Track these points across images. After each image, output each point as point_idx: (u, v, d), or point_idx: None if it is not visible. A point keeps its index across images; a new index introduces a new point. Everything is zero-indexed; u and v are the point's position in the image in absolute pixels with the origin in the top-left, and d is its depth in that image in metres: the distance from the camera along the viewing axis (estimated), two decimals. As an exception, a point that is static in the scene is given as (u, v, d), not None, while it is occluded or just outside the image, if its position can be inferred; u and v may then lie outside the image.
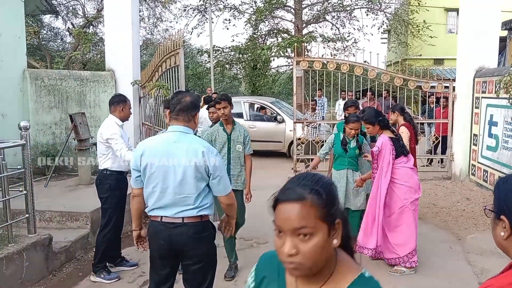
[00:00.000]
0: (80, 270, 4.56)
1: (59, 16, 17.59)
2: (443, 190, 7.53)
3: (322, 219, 1.13)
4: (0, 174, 3.99)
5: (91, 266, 4.33)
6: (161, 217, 2.62)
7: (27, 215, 4.21)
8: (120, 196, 4.29)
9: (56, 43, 21.08)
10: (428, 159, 9.17)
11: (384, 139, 4.32)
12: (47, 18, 18.42)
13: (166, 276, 2.76)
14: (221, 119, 4.31)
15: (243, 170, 4.43)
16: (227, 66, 18.01)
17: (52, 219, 5.19)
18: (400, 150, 4.33)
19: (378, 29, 18.64)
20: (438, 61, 19.99)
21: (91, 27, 16.94)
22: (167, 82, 6.99)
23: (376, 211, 4.36)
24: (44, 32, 20.18)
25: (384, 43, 22.51)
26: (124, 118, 4.35)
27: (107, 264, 4.41)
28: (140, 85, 7.51)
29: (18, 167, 4.19)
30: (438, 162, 8.94)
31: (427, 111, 9.53)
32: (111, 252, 4.41)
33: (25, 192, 4.18)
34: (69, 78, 7.67)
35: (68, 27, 17.60)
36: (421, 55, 18.69)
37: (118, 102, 4.28)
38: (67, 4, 16.83)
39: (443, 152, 8.80)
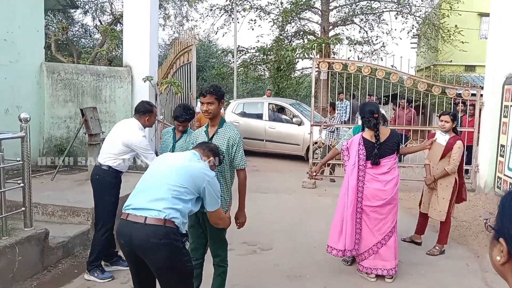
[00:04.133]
0: (76, 267, 4.47)
1: (88, 13, 17.91)
2: (465, 203, 7.05)
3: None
4: (-2, 165, 3.93)
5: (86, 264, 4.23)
6: (128, 214, 2.56)
7: (23, 208, 4.14)
8: (117, 194, 4.18)
9: (86, 40, 21.48)
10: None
11: (356, 137, 4.25)
12: (77, 15, 18.77)
13: (143, 280, 2.64)
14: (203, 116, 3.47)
15: (228, 188, 3.36)
16: (251, 66, 17.85)
17: (54, 213, 5.13)
18: (369, 156, 4.16)
19: (408, 33, 18.15)
20: (470, 68, 19.29)
21: (118, 24, 17.13)
22: (181, 78, 6.87)
23: (344, 213, 4.23)
24: (76, 29, 20.59)
25: (413, 48, 21.90)
26: (148, 126, 4.31)
27: (103, 262, 4.31)
28: (151, 80, 7.43)
29: (18, 159, 4.13)
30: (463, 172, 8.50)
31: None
32: (108, 250, 4.31)
33: (22, 185, 4.11)
34: (86, 72, 7.67)
35: (96, 24, 17.85)
36: (451, 61, 18.06)
37: (145, 112, 4.19)
38: (95, 1, 17.04)
39: (468, 162, 8.36)
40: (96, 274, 4.12)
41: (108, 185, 4.13)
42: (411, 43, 22.55)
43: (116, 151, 4.11)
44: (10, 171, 5.74)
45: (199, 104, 9.17)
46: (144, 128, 4.25)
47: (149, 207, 2.51)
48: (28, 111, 6.89)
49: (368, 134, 4.23)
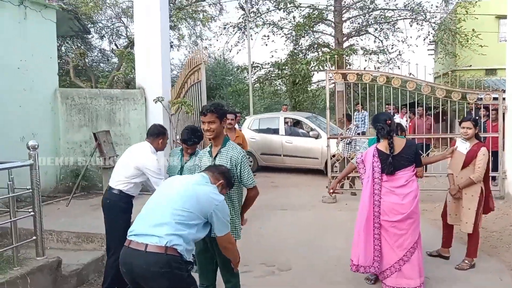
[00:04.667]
0: (91, 295, 4.38)
1: (105, 37, 18.26)
2: (494, 212, 6.75)
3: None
4: (8, 194, 3.89)
5: (99, 292, 4.13)
6: (130, 241, 2.49)
7: (34, 237, 4.08)
8: (129, 219, 4.08)
9: (104, 64, 21.91)
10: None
11: (370, 149, 4.10)
12: (94, 40, 19.16)
13: None
14: (205, 137, 3.42)
15: (236, 212, 3.19)
16: (266, 82, 17.83)
17: (68, 240, 5.08)
18: (384, 167, 3.99)
19: (424, 40, 17.86)
20: (490, 72, 18.82)
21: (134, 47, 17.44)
22: (192, 98, 6.84)
23: (358, 224, 4.09)
24: (94, 54, 21.04)
25: (430, 54, 21.55)
26: (161, 149, 4.23)
27: (117, 289, 4.21)
28: (162, 101, 7.41)
29: (27, 187, 4.08)
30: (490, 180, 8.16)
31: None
32: (121, 276, 4.19)
33: (33, 213, 4.06)
34: (99, 96, 7.72)
35: (112, 48, 18.17)
36: (471, 65, 17.65)
37: (158, 135, 4.16)
38: (111, 26, 17.38)
39: (494, 169, 8.01)
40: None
41: (119, 209, 4.04)
42: (428, 50, 22.20)
43: (127, 174, 4.04)
44: (27, 198, 5.74)
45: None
46: (157, 151, 4.18)
47: (150, 232, 2.41)
48: (44, 138, 7.03)
49: (382, 145, 4.06)
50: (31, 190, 4.04)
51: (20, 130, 6.57)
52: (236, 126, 9.91)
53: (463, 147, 4.60)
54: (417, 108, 9.10)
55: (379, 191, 4.03)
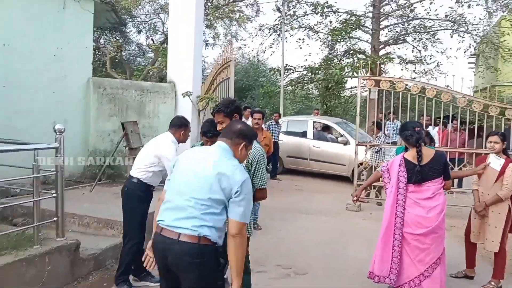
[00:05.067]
0: (106, 280, 4.40)
1: (142, 32, 18.62)
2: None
3: None
4: (32, 175, 3.98)
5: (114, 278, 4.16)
6: (162, 228, 2.42)
7: (55, 218, 4.15)
8: (146, 209, 4.09)
9: (140, 58, 22.34)
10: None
11: (397, 158, 3.98)
12: (132, 34, 19.56)
13: None
14: None
15: None
16: (298, 85, 17.71)
17: (89, 224, 5.15)
18: (412, 176, 3.84)
19: (464, 52, 17.33)
20: (534, 89, 18.05)
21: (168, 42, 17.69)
22: (220, 95, 6.85)
23: (380, 235, 3.98)
24: (132, 48, 21.49)
25: (471, 67, 20.90)
26: (182, 141, 4.22)
27: (132, 277, 4.23)
28: (190, 96, 7.45)
29: (52, 170, 4.16)
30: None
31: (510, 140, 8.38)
32: (136, 265, 4.22)
33: (55, 194, 4.13)
34: (130, 87, 7.83)
35: (149, 43, 18.49)
36: (513, 81, 17.01)
37: (180, 126, 4.16)
38: (148, 21, 17.69)
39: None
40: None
41: (136, 198, 4.05)
42: (468, 62, 21.55)
43: (146, 162, 4.05)
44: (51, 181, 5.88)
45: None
46: (179, 142, 4.17)
47: (180, 225, 2.35)
48: (75, 125, 7.18)
49: (410, 154, 3.92)
50: (55, 172, 4.12)
51: (53, 116, 6.72)
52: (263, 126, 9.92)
53: (496, 163, 4.39)
54: (452, 121, 8.80)
55: (403, 202, 3.89)
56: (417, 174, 3.82)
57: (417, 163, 3.83)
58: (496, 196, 4.33)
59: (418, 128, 3.91)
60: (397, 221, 3.88)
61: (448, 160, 4.63)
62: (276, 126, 10.58)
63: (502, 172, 4.37)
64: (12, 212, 5.42)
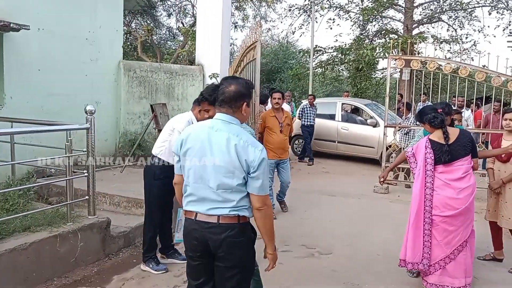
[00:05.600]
0: (135, 257, 4.57)
1: (172, 15, 18.78)
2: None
3: None
4: (65, 155, 4.15)
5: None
6: (196, 213, 2.42)
7: (87, 197, 4.33)
8: (163, 186, 4.01)
9: (171, 42, 22.56)
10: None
11: (422, 140, 3.91)
12: (162, 18, 19.74)
13: (203, 282, 2.52)
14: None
15: None
16: (328, 67, 17.46)
17: (120, 204, 5.34)
18: (440, 156, 3.75)
19: (503, 30, 16.58)
20: None
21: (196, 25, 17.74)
22: (247, 76, 6.86)
23: (409, 219, 3.90)
24: (163, 32, 21.71)
25: (510, 46, 20.00)
26: (200, 120, 4.16)
27: (160, 254, 4.37)
28: (217, 77, 7.51)
29: (83, 150, 4.32)
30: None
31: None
32: (163, 242, 4.36)
33: (86, 174, 4.29)
34: (160, 70, 7.95)
35: (179, 26, 18.61)
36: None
37: (194, 102, 4.02)
38: (178, 4, 17.77)
39: None
40: (151, 266, 4.17)
41: (152, 175, 4.05)
42: (508, 41, 20.60)
43: (163, 136, 4.03)
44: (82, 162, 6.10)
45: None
46: (198, 121, 4.10)
47: (217, 212, 2.37)
48: (106, 107, 7.38)
49: (435, 135, 3.84)
50: (86, 152, 4.28)
51: (85, 98, 6.92)
52: (287, 107, 9.79)
53: None
54: (494, 102, 8.47)
55: (432, 184, 3.83)
56: (446, 154, 3.75)
57: (445, 142, 3.76)
58: None
59: (440, 110, 3.85)
60: (427, 204, 3.83)
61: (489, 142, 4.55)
62: (310, 108, 10.44)
63: None
64: (47, 191, 5.69)
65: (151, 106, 6.56)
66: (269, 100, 7.13)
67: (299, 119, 10.52)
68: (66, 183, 4.22)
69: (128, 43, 16.82)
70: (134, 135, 7.68)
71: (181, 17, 18.52)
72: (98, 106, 7.25)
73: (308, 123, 10.36)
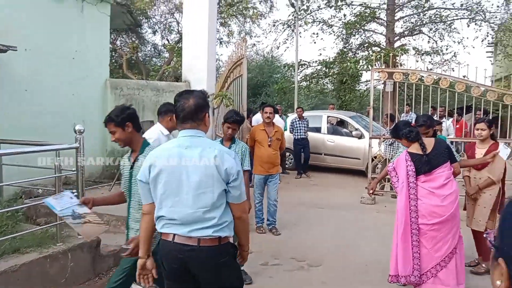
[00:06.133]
0: (126, 275, 4.57)
1: (157, 32, 18.86)
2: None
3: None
4: (55, 174, 4.16)
5: (133, 273, 4.32)
6: (174, 235, 2.31)
7: (76, 216, 4.33)
8: None
9: (156, 59, 22.64)
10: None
11: (401, 155, 4.02)
12: (147, 35, 19.82)
13: None
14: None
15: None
16: (313, 80, 17.71)
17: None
18: (420, 167, 3.86)
19: (482, 41, 17.03)
20: (555, 76, 17.63)
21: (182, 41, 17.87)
22: (234, 92, 6.96)
23: (394, 233, 3.95)
24: (148, 48, 21.78)
25: (489, 57, 20.53)
26: (173, 128, 4.09)
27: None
28: (207, 94, 7.59)
29: (73, 169, 4.34)
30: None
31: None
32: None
33: (76, 193, 4.29)
34: (146, 88, 8.01)
35: (164, 43, 18.72)
36: (532, 69, 16.66)
37: (166, 112, 4.05)
38: (163, 21, 17.91)
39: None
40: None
41: None
42: (486, 52, 21.16)
43: None
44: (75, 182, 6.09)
45: (255, 117, 9.20)
46: (170, 130, 4.06)
47: (198, 234, 2.29)
48: (93, 125, 7.37)
49: (413, 148, 3.97)
50: (75, 172, 4.30)
51: (72, 116, 6.95)
52: (281, 121, 9.83)
53: (504, 152, 4.44)
54: (475, 113, 8.69)
55: (415, 196, 3.93)
56: (425, 164, 3.87)
57: (423, 153, 3.89)
58: (488, 179, 4.46)
59: (413, 124, 4.10)
60: (412, 215, 3.91)
61: (463, 151, 4.72)
62: (299, 122, 10.43)
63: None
64: (35, 212, 5.66)
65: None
66: (251, 114, 7.20)
67: (291, 133, 10.60)
68: (55, 203, 4.21)
69: (113, 60, 16.85)
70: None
71: (166, 34, 18.64)
72: (86, 124, 7.23)
73: (299, 136, 10.42)
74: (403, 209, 3.92)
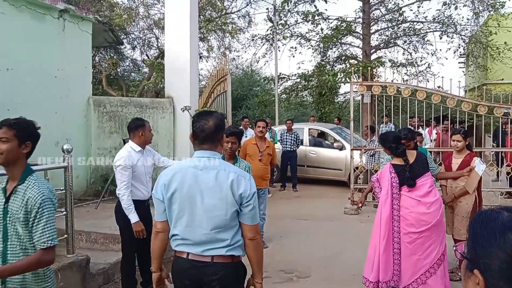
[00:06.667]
0: (116, 293, 4.57)
1: (137, 48, 18.87)
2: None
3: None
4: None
5: (123, 291, 4.33)
6: (188, 253, 2.35)
7: (65, 236, 4.33)
8: (128, 226, 4.07)
9: (135, 74, 22.60)
10: (505, 192, 8.25)
11: (385, 167, 4.17)
12: (126, 51, 19.81)
13: None
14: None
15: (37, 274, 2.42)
16: (292, 93, 17.99)
17: (97, 240, 5.32)
18: (403, 180, 4.03)
19: (454, 53, 17.64)
20: (524, 86, 18.35)
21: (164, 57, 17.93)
22: (218, 107, 7.05)
23: (377, 244, 4.06)
24: (126, 64, 21.74)
25: (461, 67, 21.23)
26: (145, 143, 4.19)
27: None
28: (189, 110, 7.67)
29: (61, 188, 4.34)
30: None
31: (499, 139, 8.59)
32: (143, 276, 4.41)
33: (65, 213, 4.31)
34: (129, 104, 8.03)
35: (143, 59, 18.73)
36: (503, 79, 17.30)
37: (137, 127, 4.08)
38: (143, 36, 17.95)
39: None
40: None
41: (121, 218, 4.09)
42: (458, 62, 21.88)
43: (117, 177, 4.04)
44: (59, 200, 6.05)
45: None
46: (142, 146, 4.11)
47: (212, 253, 2.33)
48: (77, 143, 7.35)
49: (397, 160, 4.17)
50: (64, 191, 4.31)
51: (55, 135, 6.91)
52: (267, 135, 9.91)
53: (480, 168, 4.65)
54: (443, 122, 9.02)
55: (398, 206, 4.08)
56: (408, 180, 4.05)
57: (406, 167, 4.06)
58: (463, 189, 4.65)
59: (403, 141, 4.21)
60: (395, 224, 4.06)
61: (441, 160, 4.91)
62: (287, 134, 10.45)
63: (467, 166, 4.71)
64: (21, 232, 5.59)
65: (124, 140, 6.61)
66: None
67: (281, 144, 10.69)
68: (44, 223, 4.20)
69: (93, 77, 16.77)
70: (105, 170, 7.66)
71: (146, 49, 18.67)
72: (69, 142, 7.22)
73: (285, 149, 10.52)
74: (385, 220, 4.06)
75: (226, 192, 2.30)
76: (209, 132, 2.38)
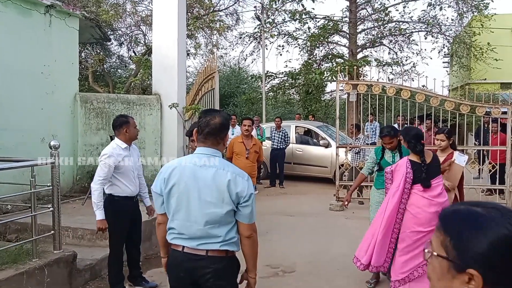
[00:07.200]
0: (103, 288, 4.60)
1: (124, 45, 18.75)
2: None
3: None
4: (29, 190, 4.17)
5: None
6: (183, 247, 2.42)
7: (52, 232, 4.34)
8: (115, 223, 4.13)
9: (122, 70, 22.43)
10: (486, 189, 8.45)
11: (402, 161, 4.21)
12: (113, 47, 19.66)
13: None
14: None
15: None
16: (279, 91, 18.09)
17: (83, 236, 5.33)
18: (419, 179, 4.08)
19: (438, 52, 17.94)
20: (506, 85, 18.74)
21: (152, 54, 17.81)
22: (206, 105, 7.09)
23: (376, 230, 4.17)
24: (113, 60, 21.58)
25: (446, 67, 21.57)
26: (131, 139, 4.24)
27: (128, 283, 4.44)
28: (176, 107, 7.69)
29: (48, 184, 4.35)
30: (497, 193, 8.21)
31: (481, 137, 8.77)
32: (130, 271, 4.45)
33: (51, 209, 4.32)
34: (117, 101, 8.02)
35: (130, 55, 18.62)
36: (485, 79, 17.64)
37: (121, 125, 4.14)
38: (130, 33, 17.84)
39: (501, 181, 8.08)
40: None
41: (110, 214, 4.10)
42: (443, 62, 22.22)
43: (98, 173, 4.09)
44: (45, 196, 6.04)
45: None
46: (128, 142, 4.16)
47: (206, 247, 2.39)
48: (63, 140, 7.30)
49: (413, 156, 4.19)
50: (51, 187, 4.32)
51: (41, 131, 6.87)
52: (254, 132, 10.00)
53: (461, 159, 4.77)
54: (426, 121, 9.19)
55: (406, 200, 4.14)
56: (424, 179, 4.09)
57: (423, 167, 4.10)
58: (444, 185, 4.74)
59: (423, 141, 4.26)
60: (398, 217, 4.16)
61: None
62: (276, 132, 10.55)
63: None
64: (5, 229, 5.57)
65: (111, 137, 6.60)
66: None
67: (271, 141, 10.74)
68: (31, 219, 4.21)
69: (79, 73, 16.62)
70: (92, 166, 7.63)
71: (133, 46, 18.55)
72: (55, 139, 7.18)
73: (273, 146, 10.59)
74: (392, 211, 4.12)
75: (222, 191, 2.35)
76: (214, 128, 2.41)
